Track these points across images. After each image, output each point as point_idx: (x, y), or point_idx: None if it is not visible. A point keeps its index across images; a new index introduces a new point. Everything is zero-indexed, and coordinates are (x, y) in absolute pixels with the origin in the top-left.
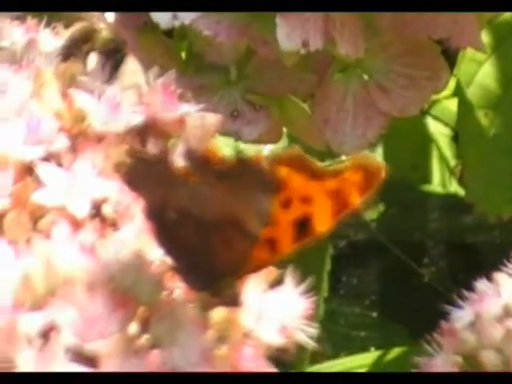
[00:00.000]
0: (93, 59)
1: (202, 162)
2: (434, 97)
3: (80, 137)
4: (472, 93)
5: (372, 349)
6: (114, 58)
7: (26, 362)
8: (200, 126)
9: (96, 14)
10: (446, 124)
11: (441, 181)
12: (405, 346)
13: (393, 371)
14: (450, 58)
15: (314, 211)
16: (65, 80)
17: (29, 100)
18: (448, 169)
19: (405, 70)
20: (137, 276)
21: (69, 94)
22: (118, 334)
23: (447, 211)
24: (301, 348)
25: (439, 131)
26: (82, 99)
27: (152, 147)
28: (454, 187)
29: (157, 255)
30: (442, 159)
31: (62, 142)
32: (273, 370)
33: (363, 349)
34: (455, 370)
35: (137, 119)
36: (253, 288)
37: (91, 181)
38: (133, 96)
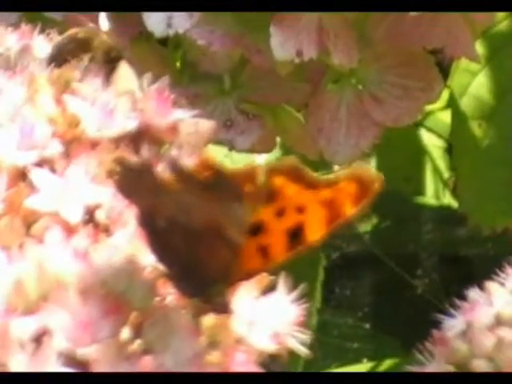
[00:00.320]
0: (87, 65)
1: (184, 171)
2: (428, 108)
3: (74, 142)
4: (466, 104)
5: (364, 360)
6: (107, 65)
7: (19, 366)
8: (194, 133)
9: (92, 22)
10: (440, 136)
11: (434, 193)
12: (397, 358)
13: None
14: (444, 69)
15: (306, 220)
16: (59, 86)
17: (22, 105)
18: (442, 181)
19: (398, 81)
20: (129, 281)
21: (63, 99)
22: (110, 339)
23: (441, 223)
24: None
25: (433, 143)
26: (75, 105)
27: (145, 153)
28: (448, 199)
29: (149, 261)
30: (436, 171)
31: (55, 148)
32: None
33: (356, 360)
34: None
35: (130, 125)
36: (245, 294)
37: (84, 186)
38: (127, 102)
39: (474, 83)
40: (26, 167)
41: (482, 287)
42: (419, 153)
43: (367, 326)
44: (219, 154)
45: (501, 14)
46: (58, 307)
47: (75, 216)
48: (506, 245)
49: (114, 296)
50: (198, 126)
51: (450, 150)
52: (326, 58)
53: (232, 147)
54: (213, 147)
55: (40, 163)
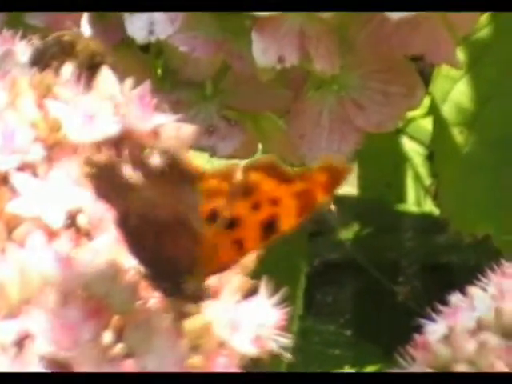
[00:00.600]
0: (68, 70)
1: (140, 164)
2: (409, 115)
3: (55, 147)
4: (447, 110)
5: (346, 367)
6: (90, 69)
7: (1, 369)
8: (175, 137)
9: (74, 27)
10: (421, 143)
11: (416, 200)
12: (379, 365)
13: None
14: (425, 76)
15: (280, 212)
16: (40, 90)
17: (4, 110)
18: (423, 188)
19: (380, 87)
20: (111, 285)
21: (44, 104)
22: (92, 342)
23: (422, 231)
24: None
25: (414, 150)
26: (57, 109)
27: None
28: (429, 206)
29: (131, 264)
30: (417, 178)
31: (37, 152)
32: None
33: (337, 367)
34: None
35: (112, 130)
36: (227, 298)
37: (66, 191)
38: (108, 107)
39: (455, 90)
40: (8, 172)
41: (463, 292)
42: (400, 160)
43: (349, 332)
44: (201, 160)
45: (482, 21)
46: (40, 311)
47: (57, 221)
48: (486, 252)
49: (96, 300)
50: (179, 131)
51: (431, 157)
52: (307, 64)
53: (214, 153)
54: (194, 153)
55: (22, 167)
